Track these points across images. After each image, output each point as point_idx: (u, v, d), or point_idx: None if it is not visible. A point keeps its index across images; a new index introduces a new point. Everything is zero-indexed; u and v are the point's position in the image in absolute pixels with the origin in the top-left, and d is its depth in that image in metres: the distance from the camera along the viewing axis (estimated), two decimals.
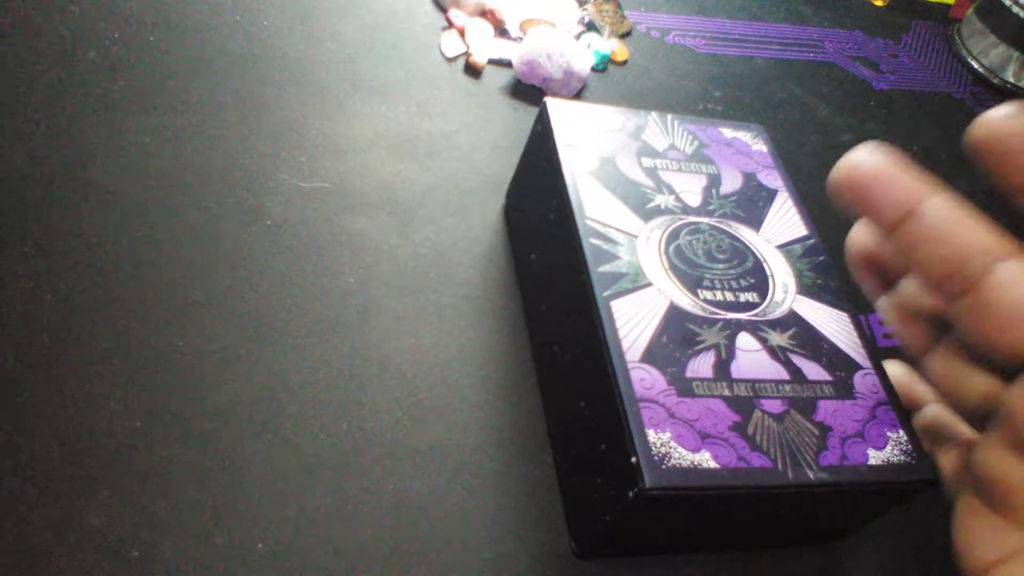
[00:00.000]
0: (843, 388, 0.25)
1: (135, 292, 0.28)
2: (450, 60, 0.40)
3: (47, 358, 0.26)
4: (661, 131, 0.32)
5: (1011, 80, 0.52)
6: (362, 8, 0.41)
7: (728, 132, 0.33)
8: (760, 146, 0.33)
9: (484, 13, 0.42)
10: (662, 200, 0.29)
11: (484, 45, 0.41)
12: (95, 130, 0.32)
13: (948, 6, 0.58)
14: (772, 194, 0.31)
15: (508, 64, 0.41)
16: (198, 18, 0.37)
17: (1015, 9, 0.50)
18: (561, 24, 0.43)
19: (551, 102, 0.31)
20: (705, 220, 0.29)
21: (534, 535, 0.26)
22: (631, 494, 0.22)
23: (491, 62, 0.41)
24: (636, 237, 0.27)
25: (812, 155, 0.43)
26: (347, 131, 0.35)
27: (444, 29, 0.42)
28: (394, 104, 0.37)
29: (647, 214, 0.29)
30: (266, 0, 0.39)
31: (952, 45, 0.55)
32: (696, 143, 0.32)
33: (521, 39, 0.42)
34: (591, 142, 0.30)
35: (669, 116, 0.33)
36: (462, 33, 0.41)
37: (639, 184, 0.30)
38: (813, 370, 0.25)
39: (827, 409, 0.24)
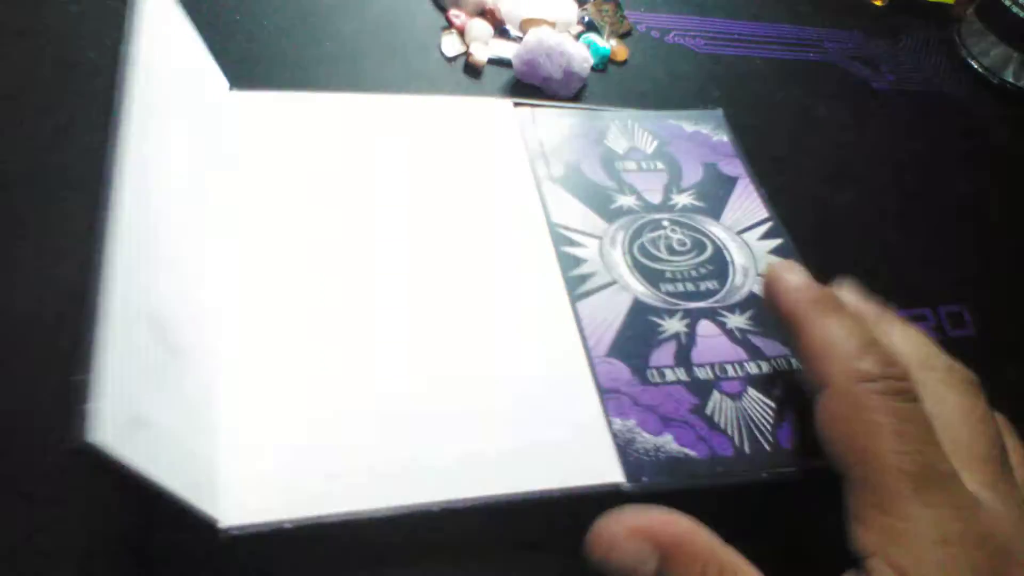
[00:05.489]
0: None
1: None
2: (450, 60, 0.40)
3: (47, 358, 0.26)
4: (621, 132, 0.33)
5: (1011, 80, 0.52)
6: (362, 8, 0.41)
7: (688, 126, 0.34)
8: (721, 135, 0.34)
9: (484, 13, 0.43)
10: (624, 200, 0.31)
11: (484, 45, 0.41)
12: (95, 131, 0.32)
13: (948, 6, 0.58)
14: (732, 182, 0.33)
15: (508, 64, 0.41)
16: (198, 18, 0.37)
17: (1015, 9, 0.50)
18: (561, 24, 0.43)
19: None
20: (666, 216, 0.30)
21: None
22: None
23: (491, 62, 0.41)
24: (601, 239, 0.29)
25: (812, 155, 0.43)
26: None
27: (444, 29, 0.42)
28: None
29: (610, 215, 0.30)
30: (266, 0, 0.39)
31: (952, 45, 0.55)
32: (657, 141, 0.33)
33: (521, 39, 0.42)
34: (554, 147, 0.32)
35: (627, 116, 0.34)
36: (462, 33, 0.41)
37: (602, 186, 0.31)
38: (771, 347, 0.27)
39: (786, 382, 0.26)
